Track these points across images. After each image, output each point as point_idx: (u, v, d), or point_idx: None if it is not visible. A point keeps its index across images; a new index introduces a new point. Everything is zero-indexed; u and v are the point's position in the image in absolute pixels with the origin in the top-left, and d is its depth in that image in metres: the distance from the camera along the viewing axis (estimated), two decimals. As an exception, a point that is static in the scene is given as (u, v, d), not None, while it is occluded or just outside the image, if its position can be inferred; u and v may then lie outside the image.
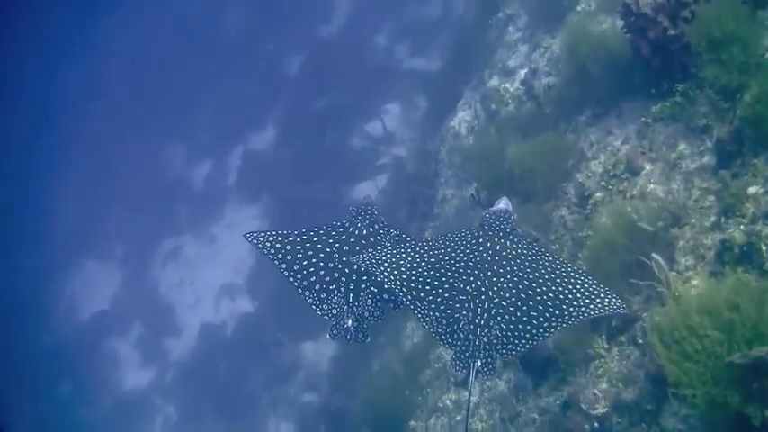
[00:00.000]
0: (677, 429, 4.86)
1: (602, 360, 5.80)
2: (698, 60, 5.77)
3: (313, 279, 4.87)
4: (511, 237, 4.79)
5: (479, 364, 4.34)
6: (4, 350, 18.97)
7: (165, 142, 23.89)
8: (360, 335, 4.82)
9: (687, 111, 6.09)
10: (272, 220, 19.20)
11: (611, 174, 6.69)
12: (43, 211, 24.32)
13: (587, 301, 4.40)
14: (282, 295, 15.57)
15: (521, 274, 4.58)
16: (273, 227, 13.51)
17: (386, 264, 4.66)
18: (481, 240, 4.78)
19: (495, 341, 4.38)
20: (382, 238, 5.11)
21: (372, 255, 4.72)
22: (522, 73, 10.09)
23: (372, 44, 20.98)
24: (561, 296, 4.43)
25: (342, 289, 4.84)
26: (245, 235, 5.06)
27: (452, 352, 4.46)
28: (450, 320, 4.48)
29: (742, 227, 4.99)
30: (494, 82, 10.92)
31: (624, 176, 6.54)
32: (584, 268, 5.06)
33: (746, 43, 5.47)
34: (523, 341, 4.37)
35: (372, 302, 4.84)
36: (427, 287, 4.59)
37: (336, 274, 4.89)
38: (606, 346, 5.85)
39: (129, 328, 20.49)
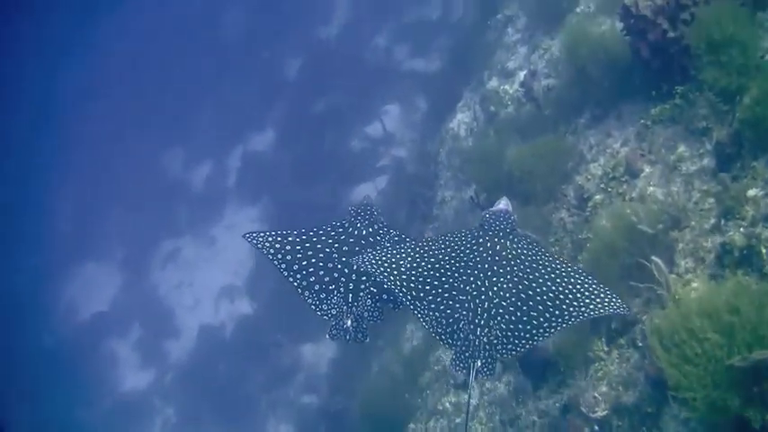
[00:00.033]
0: (677, 432, 4.85)
1: (602, 363, 5.79)
2: (697, 62, 5.76)
3: (312, 279, 4.86)
4: (511, 237, 4.79)
5: (479, 364, 4.34)
6: (3, 350, 18.95)
7: (165, 143, 23.88)
8: (359, 335, 4.82)
9: (687, 113, 6.08)
10: (272, 222, 19.16)
11: (611, 176, 6.68)
12: (43, 212, 24.32)
13: (587, 301, 4.40)
14: (282, 297, 15.54)
15: (521, 274, 4.58)
16: (273, 229, 13.39)
17: (386, 264, 4.65)
18: (481, 240, 4.78)
19: (495, 341, 4.38)
20: (382, 238, 5.11)
21: (372, 255, 4.72)
22: (522, 74, 10.07)
23: (372, 45, 20.98)
24: (561, 296, 4.43)
25: (341, 289, 4.84)
26: (244, 235, 5.06)
27: (452, 352, 4.46)
28: (450, 320, 4.48)
29: (742, 229, 4.97)
30: (493, 83, 10.90)
31: (624, 179, 6.53)
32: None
33: (746, 45, 5.46)
34: (523, 341, 4.37)
35: (372, 303, 4.84)
36: (427, 287, 4.59)
37: (336, 275, 4.88)
38: (606, 348, 5.83)
39: (128, 329, 20.47)
